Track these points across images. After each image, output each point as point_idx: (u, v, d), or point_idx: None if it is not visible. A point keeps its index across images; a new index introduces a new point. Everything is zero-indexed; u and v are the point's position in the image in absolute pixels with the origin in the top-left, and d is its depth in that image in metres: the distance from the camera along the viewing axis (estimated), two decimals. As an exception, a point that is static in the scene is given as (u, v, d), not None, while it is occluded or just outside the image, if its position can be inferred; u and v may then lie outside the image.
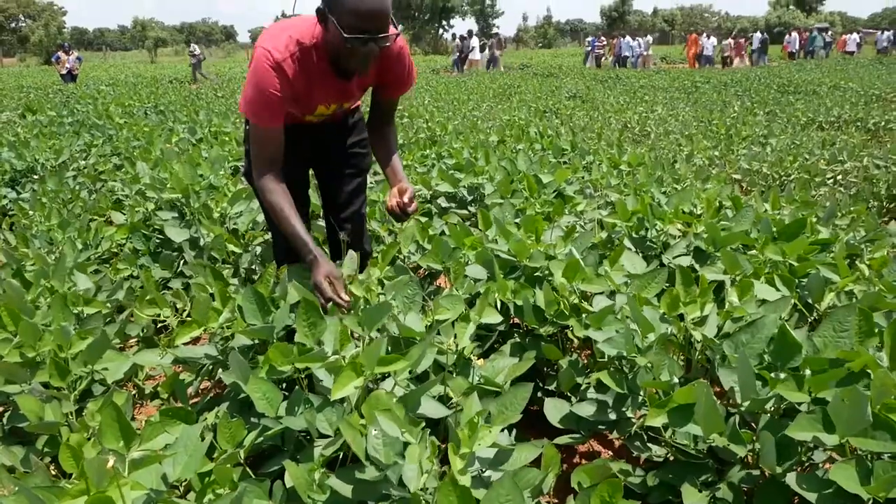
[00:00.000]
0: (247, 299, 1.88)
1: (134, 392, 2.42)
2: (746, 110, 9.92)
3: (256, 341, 1.93)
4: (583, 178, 4.21)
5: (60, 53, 19.84)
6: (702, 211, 3.11)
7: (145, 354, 2.07)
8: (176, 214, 3.44)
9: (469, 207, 3.77)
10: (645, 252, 2.72)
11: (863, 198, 4.06)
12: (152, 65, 38.77)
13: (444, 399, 1.69)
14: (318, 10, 1.93)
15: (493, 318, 1.92)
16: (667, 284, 2.14)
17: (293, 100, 2.07)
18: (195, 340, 2.27)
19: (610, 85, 16.00)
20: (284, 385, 1.88)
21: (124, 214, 3.65)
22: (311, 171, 2.63)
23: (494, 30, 54.64)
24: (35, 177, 4.85)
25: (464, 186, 3.89)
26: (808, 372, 1.40)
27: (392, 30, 1.95)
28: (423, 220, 3.04)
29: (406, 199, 2.14)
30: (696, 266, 2.56)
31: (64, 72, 19.51)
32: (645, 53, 25.92)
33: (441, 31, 58.62)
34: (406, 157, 5.05)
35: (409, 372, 1.66)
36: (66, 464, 1.46)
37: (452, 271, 2.17)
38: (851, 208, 3.37)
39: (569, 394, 1.94)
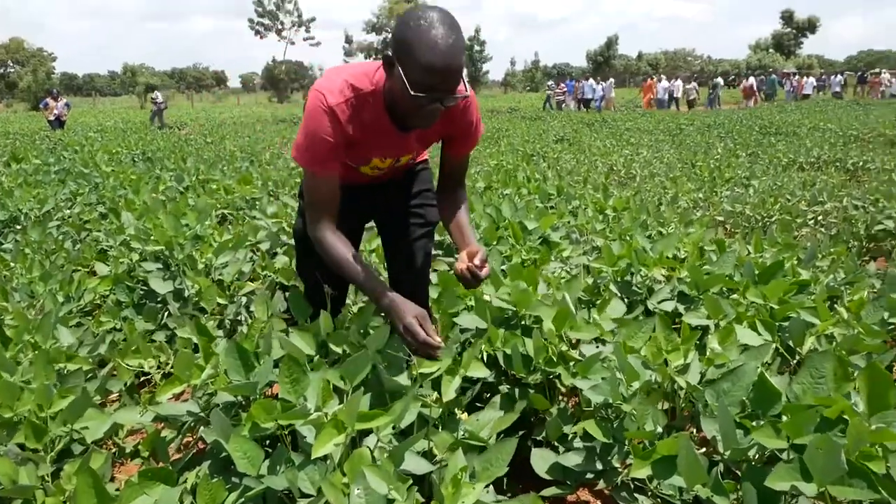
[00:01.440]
0: (229, 355, 1.87)
1: (114, 450, 2.38)
2: (729, 152, 10.07)
3: (240, 397, 1.91)
4: (569, 223, 4.25)
5: (48, 99, 19.86)
6: (686, 255, 3.14)
7: (126, 413, 2.04)
8: (160, 266, 3.43)
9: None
10: (630, 297, 2.73)
11: (843, 238, 4.10)
12: (142, 110, 39.01)
13: (428, 454, 1.67)
14: (386, 57, 1.79)
15: (480, 371, 1.91)
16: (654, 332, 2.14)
17: (347, 148, 1.96)
18: (178, 394, 2.25)
19: (597, 128, 16.24)
20: (268, 442, 1.86)
21: (108, 265, 3.64)
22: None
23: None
24: (18, 227, 4.84)
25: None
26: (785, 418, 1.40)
27: (462, 89, 1.80)
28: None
29: (477, 262, 1.93)
30: (681, 310, 2.58)
31: (52, 118, 19.45)
32: (609, 96, 27.16)
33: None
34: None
35: (393, 427, 1.65)
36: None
37: (440, 323, 2.16)
38: (832, 249, 3.41)
39: (556, 443, 1.92)
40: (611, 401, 1.71)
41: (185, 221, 3.93)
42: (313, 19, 57.51)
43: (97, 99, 54.69)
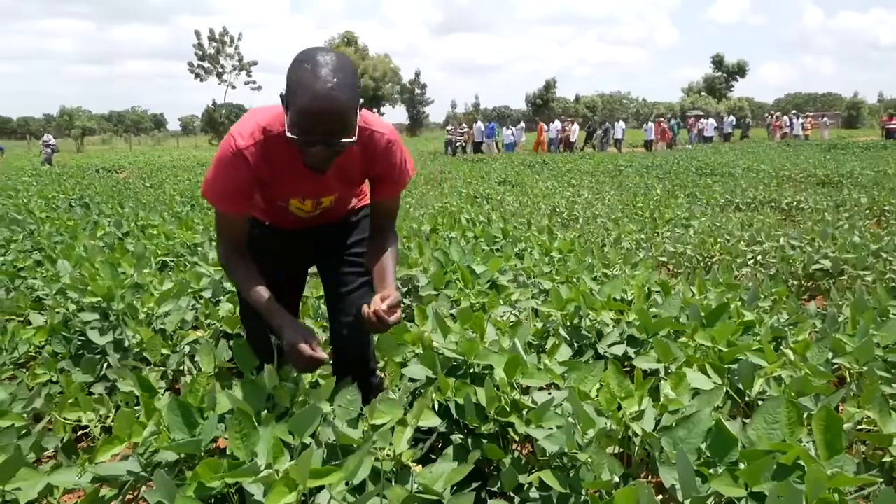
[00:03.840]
0: (172, 412, 1.80)
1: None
2: (668, 193, 10.36)
3: (183, 456, 1.84)
4: (515, 266, 4.27)
5: None
6: (632, 297, 3.18)
7: (62, 474, 1.94)
8: (98, 316, 3.31)
9: (404, 300, 3.75)
10: (580, 341, 2.75)
11: (782, 278, 4.24)
12: (78, 154, 38.11)
13: (383, 510, 1.62)
14: (281, 97, 1.79)
15: (432, 421, 1.89)
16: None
17: (262, 188, 1.99)
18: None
19: (538, 170, 16.54)
20: (214, 501, 1.79)
21: (44, 315, 3.49)
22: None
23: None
24: (-52, 276, 4.61)
25: (398, 279, 3.88)
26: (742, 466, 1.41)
27: (353, 133, 1.76)
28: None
29: (384, 307, 1.87)
30: (631, 353, 2.60)
31: None
32: (521, 141, 28.90)
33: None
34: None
35: (346, 483, 1.60)
36: None
37: (388, 371, 2.13)
38: (773, 290, 3.51)
39: (512, 493, 1.90)
40: (566, 450, 1.70)
41: (124, 269, 3.81)
42: (255, 63, 57.27)
43: (31, 142, 53.14)
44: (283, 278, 2.26)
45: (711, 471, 1.44)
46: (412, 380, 2.20)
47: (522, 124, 31.49)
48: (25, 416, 2.59)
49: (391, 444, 1.78)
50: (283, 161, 1.92)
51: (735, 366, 2.22)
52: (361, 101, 1.80)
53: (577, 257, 4.49)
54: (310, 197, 2.08)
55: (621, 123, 28.67)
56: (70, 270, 3.71)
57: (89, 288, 3.35)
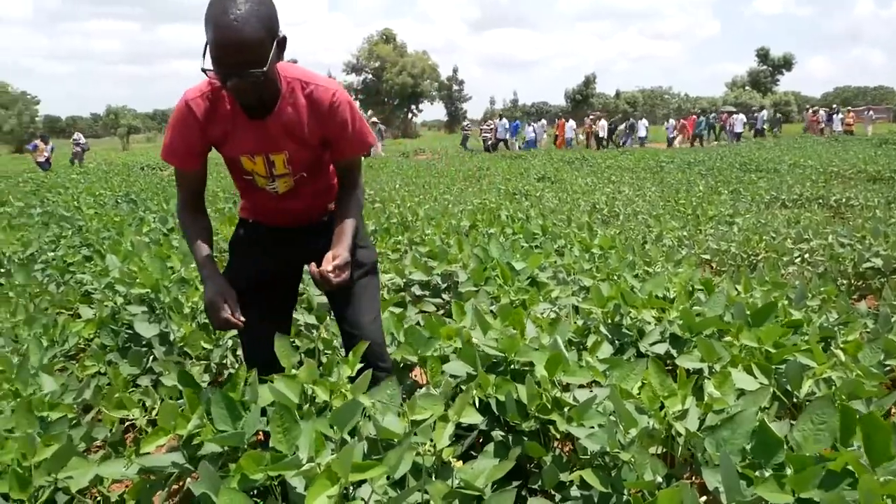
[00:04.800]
0: (216, 405, 1.83)
1: (99, 499, 2.32)
2: (711, 189, 10.18)
3: (227, 448, 1.87)
4: (555, 262, 4.25)
5: (38, 142, 20.48)
6: (675, 295, 3.14)
7: (110, 465, 1.98)
8: (146, 309, 3.38)
9: (443, 296, 3.76)
10: (621, 339, 2.72)
11: (831, 277, 4.14)
12: (124, 152, 38.95)
13: (423, 505, 1.63)
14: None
15: (473, 417, 1.88)
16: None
17: (216, 146, 2.02)
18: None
19: (577, 166, 16.40)
20: (257, 492, 1.81)
21: (92, 308, 3.59)
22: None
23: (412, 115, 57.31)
24: (2, 270, 4.76)
25: (437, 274, 3.89)
26: (789, 471, 1.38)
27: (264, 64, 1.73)
28: (398, 310, 3.02)
29: (329, 268, 1.86)
30: (674, 352, 2.57)
31: (42, 159, 20.13)
32: (542, 138, 28.55)
33: (410, 115, 60.21)
34: (379, 245, 5.06)
35: (388, 477, 1.61)
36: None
37: (429, 367, 2.13)
38: (821, 289, 3.42)
39: (553, 492, 1.89)
40: (608, 449, 1.68)
41: (170, 264, 3.88)
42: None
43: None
44: (270, 277, 2.26)
45: (757, 473, 1.41)
46: (453, 376, 2.20)
47: (544, 121, 31.44)
48: (76, 406, 2.66)
49: (432, 439, 1.78)
50: (226, 112, 1.94)
51: (782, 366, 2.17)
52: (283, 34, 1.81)
53: (617, 254, 4.44)
54: (257, 152, 2.00)
55: (644, 121, 28.38)
56: (118, 265, 3.79)
57: (137, 280, 3.43)
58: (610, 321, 2.85)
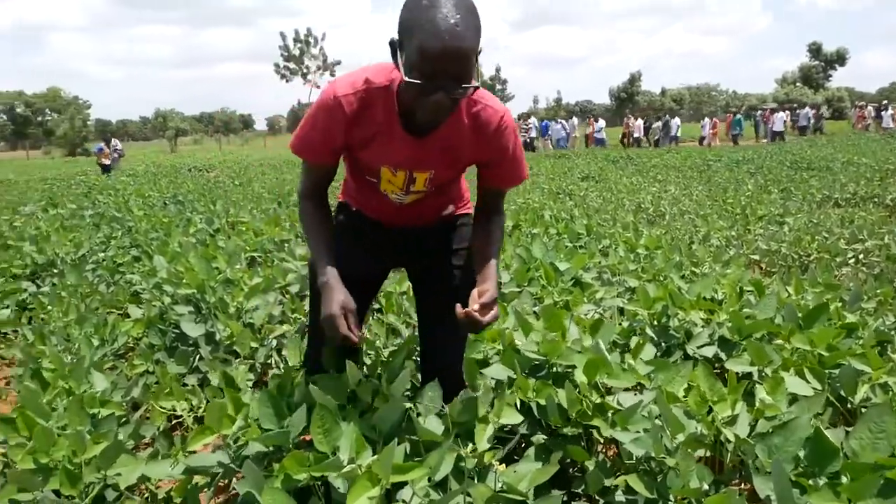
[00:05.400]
0: (262, 404, 1.84)
1: (147, 496, 2.36)
2: (760, 188, 9.95)
3: (272, 448, 1.88)
4: (600, 263, 4.19)
5: (104, 145, 21.31)
6: (723, 297, 3.06)
7: (157, 466, 2.02)
8: (192, 309, 3.44)
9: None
10: (668, 341, 2.67)
11: (887, 278, 3.99)
12: (172, 154, 39.82)
13: (465, 508, 1.61)
14: (391, 43, 1.62)
15: (513, 418, 1.86)
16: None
17: (354, 149, 1.83)
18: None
19: (622, 165, 16.20)
20: (300, 493, 1.82)
21: (141, 308, 3.66)
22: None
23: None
24: (55, 270, 4.90)
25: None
26: (844, 480, 1.33)
27: (473, 79, 1.56)
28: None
29: (476, 307, 1.69)
30: (722, 356, 2.51)
31: (108, 162, 20.70)
32: (574, 135, 28.24)
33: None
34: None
35: (428, 479, 1.60)
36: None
37: (466, 370, 2.11)
38: (877, 291, 3.31)
39: (597, 496, 1.86)
40: (653, 454, 1.65)
41: (216, 265, 3.94)
42: (339, 62, 58.11)
43: (129, 144, 56.02)
44: (360, 273, 2.01)
45: (811, 482, 1.36)
46: (492, 380, 2.18)
47: (575, 119, 31.18)
48: (125, 404, 2.72)
49: (473, 441, 1.77)
50: (380, 118, 1.74)
51: (835, 371, 2.10)
52: (482, 47, 1.60)
53: (664, 255, 4.36)
54: (403, 167, 1.83)
55: (676, 120, 27.98)
56: (165, 265, 3.87)
57: (184, 281, 3.49)
58: (656, 323, 2.80)
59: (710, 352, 2.50)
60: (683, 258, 4.35)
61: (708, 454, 1.79)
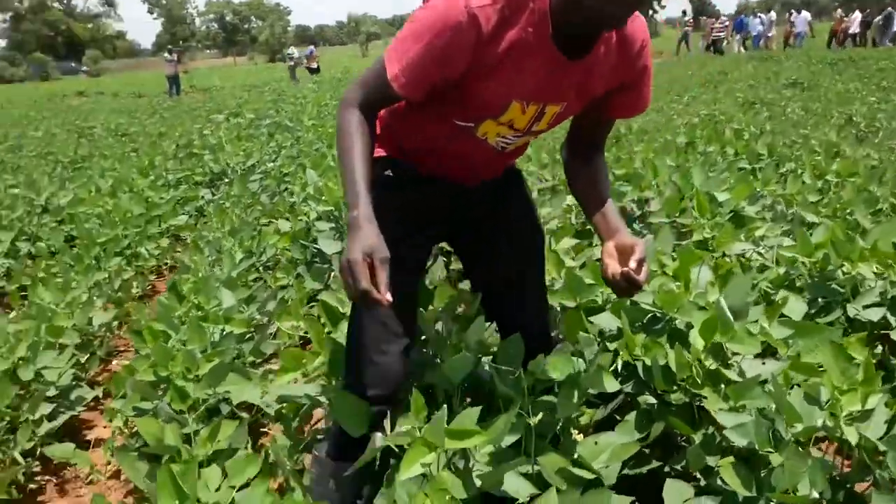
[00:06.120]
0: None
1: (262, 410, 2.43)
2: None
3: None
4: (774, 192, 3.69)
5: (314, 48, 24.37)
6: (911, 246, 2.56)
7: (248, 389, 2.08)
8: (333, 225, 3.47)
9: (633, 226, 3.44)
10: (827, 297, 2.29)
11: None
12: (363, 59, 40.90)
13: (532, 477, 1.48)
14: None
15: (609, 385, 1.67)
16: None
17: (469, 78, 1.42)
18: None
19: (840, 69, 14.29)
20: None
21: (289, 221, 3.78)
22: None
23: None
24: (227, 180, 5.22)
25: (632, 201, 3.58)
26: None
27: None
28: (569, 243, 2.79)
29: (634, 265, 1.42)
30: (892, 320, 2.11)
31: (315, 66, 23.21)
32: (769, 35, 24.18)
33: (652, 13, 56.15)
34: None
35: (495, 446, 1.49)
36: (162, 492, 1.46)
37: (568, 322, 1.92)
38: None
39: (698, 475, 1.65)
40: (757, 447, 1.40)
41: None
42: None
43: (324, 48, 58.30)
44: (407, 253, 1.59)
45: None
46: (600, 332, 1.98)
47: (773, 14, 27.08)
48: (255, 318, 2.83)
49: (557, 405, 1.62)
50: (527, 37, 1.37)
51: None
52: None
53: (856, 184, 3.74)
54: (538, 99, 1.48)
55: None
56: (315, 180, 3.94)
57: (323, 198, 3.53)
58: (819, 272, 2.41)
59: (876, 314, 2.10)
60: (885, 189, 3.68)
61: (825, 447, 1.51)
